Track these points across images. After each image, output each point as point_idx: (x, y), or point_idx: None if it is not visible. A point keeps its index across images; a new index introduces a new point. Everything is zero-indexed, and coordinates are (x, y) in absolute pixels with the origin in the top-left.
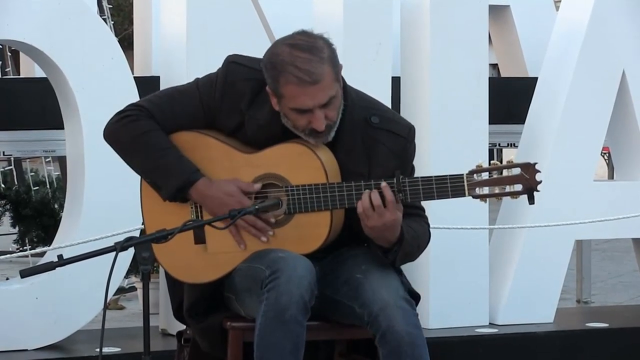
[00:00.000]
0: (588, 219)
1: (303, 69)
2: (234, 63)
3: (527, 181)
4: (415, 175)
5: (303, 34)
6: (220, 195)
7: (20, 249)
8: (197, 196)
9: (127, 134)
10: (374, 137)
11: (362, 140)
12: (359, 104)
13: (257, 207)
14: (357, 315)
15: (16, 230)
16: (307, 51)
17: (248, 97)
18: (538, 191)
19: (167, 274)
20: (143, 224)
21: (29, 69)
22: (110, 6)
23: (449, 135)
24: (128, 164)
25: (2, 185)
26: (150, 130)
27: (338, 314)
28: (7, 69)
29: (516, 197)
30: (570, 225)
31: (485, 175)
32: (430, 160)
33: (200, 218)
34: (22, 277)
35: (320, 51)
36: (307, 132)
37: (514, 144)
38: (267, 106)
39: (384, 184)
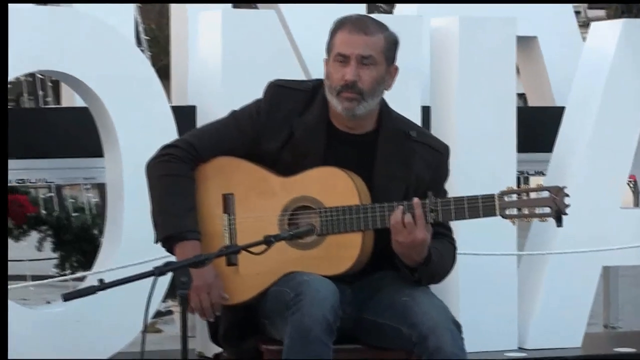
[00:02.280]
0: (615, 246)
1: (358, 22)
2: (278, 86)
3: (556, 204)
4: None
5: None
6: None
7: (61, 273)
8: (178, 253)
9: (159, 170)
10: (412, 148)
11: (400, 149)
12: (399, 118)
13: (291, 232)
14: (403, 336)
15: (57, 255)
16: (370, 18)
17: (295, 110)
18: (566, 214)
19: None
20: None
21: (70, 99)
22: (148, 38)
23: (477, 163)
24: (149, 196)
25: (44, 212)
26: (178, 175)
27: (380, 336)
28: (48, 99)
29: (545, 220)
30: (597, 252)
31: (515, 197)
32: (459, 187)
33: (233, 243)
34: (64, 300)
35: (381, 25)
36: (339, 88)
37: (541, 172)
38: (313, 110)
39: (415, 200)
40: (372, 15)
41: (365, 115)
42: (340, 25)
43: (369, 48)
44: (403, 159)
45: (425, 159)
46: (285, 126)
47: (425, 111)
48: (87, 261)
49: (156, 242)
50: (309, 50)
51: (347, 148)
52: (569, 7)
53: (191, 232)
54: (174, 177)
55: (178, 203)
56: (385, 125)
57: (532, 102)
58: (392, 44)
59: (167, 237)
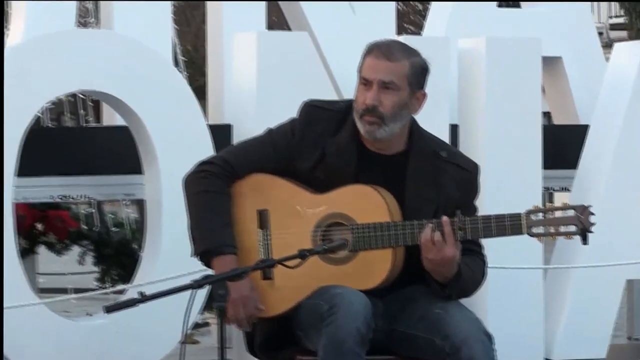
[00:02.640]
0: (639, 260)
1: (384, 48)
2: (311, 106)
3: (581, 223)
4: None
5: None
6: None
7: (101, 286)
8: (215, 267)
9: (196, 186)
10: (442, 168)
11: (430, 169)
12: (429, 139)
13: (325, 247)
14: (436, 347)
15: (97, 268)
16: (399, 44)
17: (328, 130)
18: (591, 232)
19: None
20: None
21: (110, 118)
22: (185, 59)
23: (504, 179)
24: (187, 211)
25: (85, 227)
26: (215, 191)
27: (413, 347)
28: (89, 118)
29: (570, 238)
30: (621, 266)
31: (541, 216)
32: (486, 202)
33: (269, 257)
34: (107, 312)
35: (410, 52)
36: (361, 112)
37: (566, 188)
38: (345, 131)
39: (444, 218)
40: (403, 37)
41: (391, 137)
42: (369, 50)
43: (390, 74)
44: (433, 180)
45: (455, 178)
46: (317, 146)
47: (454, 129)
48: (126, 274)
49: (193, 256)
50: (341, 70)
51: (377, 168)
52: (592, 29)
53: (228, 247)
54: (211, 193)
55: (215, 218)
56: (415, 146)
57: (557, 120)
58: (418, 70)
59: (204, 252)
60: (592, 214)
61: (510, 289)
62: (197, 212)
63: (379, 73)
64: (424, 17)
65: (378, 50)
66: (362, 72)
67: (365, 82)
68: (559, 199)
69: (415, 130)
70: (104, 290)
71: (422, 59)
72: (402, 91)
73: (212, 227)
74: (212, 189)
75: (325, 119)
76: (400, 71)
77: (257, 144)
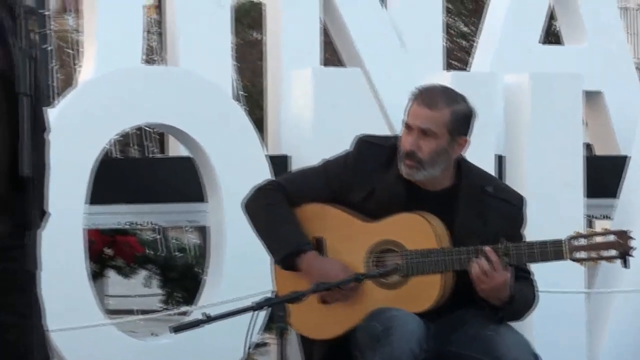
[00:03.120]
0: None
1: (427, 95)
2: (364, 141)
3: (622, 247)
4: None
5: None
6: (326, 268)
7: (166, 307)
8: (303, 265)
9: (258, 203)
10: (489, 203)
11: (478, 205)
12: (476, 174)
13: (379, 271)
14: None
15: (163, 291)
16: (443, 91)
17: (379, 166)
18: (632, 256)
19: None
20: (274, 285)
21: (175, 149)
22: (244, 94)
23: (548, 207)
24: (254, 229)
25: (150, 252)
26: (276, 202)
27: None
28: (154, 149)
29: (612, 262)
30: None
31: (582, 241)
32: (532, 231)
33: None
34: (174, 332)
35: (453, 99)
36: (402, 154)
37: (607, 216)
38: (394, 167)
39: (487, 248)
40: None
41: (431, 178)
42: (415, 96)
43: (429, 122)
44: (481, 215)
45: (502, 213)
46: (368, 181)
47: (500, 160)
48: (190, 297)
49: (277, 264)
50: (392, 103)
51: (425, 204)
52: (631, 64)
53: (305, 244)
54: (272, 205)
55: (284, 224)
56: (463, 182)
57: (599, 151)
58: (460, 117)
59: (284, 257)
60: (632, 238)
61: (554, 312)
62: (265, 225)
63: (419, 120)
64: (468, 53)
65: (421, 97)
66: (406, 116)
67: (407, 127)
68: (601, 226)
69: (463, 166)
70: (169, 312)
71: (465, 106)
72: (441, 138)
73: (284, 233)
74: (272, 202)
75: (376, 154)
76: (440, 119)
77: (312, 174)
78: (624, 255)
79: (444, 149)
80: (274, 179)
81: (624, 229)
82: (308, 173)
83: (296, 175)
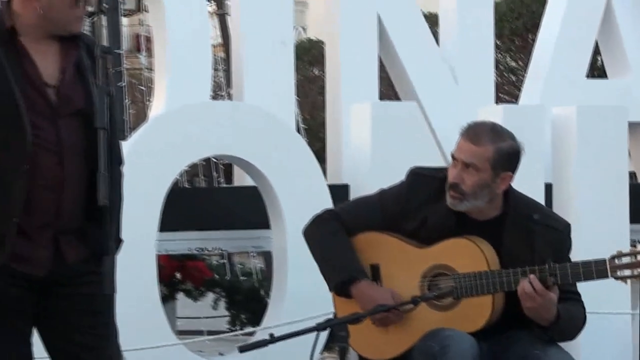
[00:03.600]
0: None
1: (475, 131)
2: (416, 174)
3: None
4: None
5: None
6: (376, 296)
7: (233, 328)
8: (355, 292)
9: (315, 232)
10: (535, 230)
11: (525, 231)
12: (523, 203)
13: (435, 293)
14: None
15: (229, 313)
16: (490, 128)
17: (430, 196)
18: None
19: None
20: (334, 307)
21: (240, 179)
22: (305, 127)
23: (594, 232)
24: (312, 255)
25: (217, 276)
26: (333, 231)
27: None
28: (220, 179)
29: None
30: None
31: (625, 260)
32: (579, 256)
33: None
34: (241, 352)
35: (499, 137)
36: (448, 186)
37: None
38: (444, 201)
39: (532, 276)
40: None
41: (476, 209)
42: (463, 131)
43: (472, 156)
44: (527, 242)
45: (548, 240)
46: (420, 212)
47: (548, 188)
48: (255, 318)
49: (331, 291)
50: (445, 135)
51: (474, 233)
52: None
53: (359, 273)
54: (330, 234)
55: (340, 253)
56: (511, 211)
57: None
58: (504, 154)
59: (338, 284)
60: None
61: (601, 333)
62: (321, 253)
63: (464, 154)
64: (517, 88)
65: (468, 133)
66: (454, 150)
67: (454, 160)
68: None
69: (510, 195)
70: (235, 332)
71: (511, 144)
72: (483, 173)
73: (340, 262)
74: (329, 231)
75: (428, 186)
76: (483, 155)
77: (367, 203)
78: None
79: (486, 183)
80: (332, 208)
81: None
82: (363, 202)
83: (352, 205)
